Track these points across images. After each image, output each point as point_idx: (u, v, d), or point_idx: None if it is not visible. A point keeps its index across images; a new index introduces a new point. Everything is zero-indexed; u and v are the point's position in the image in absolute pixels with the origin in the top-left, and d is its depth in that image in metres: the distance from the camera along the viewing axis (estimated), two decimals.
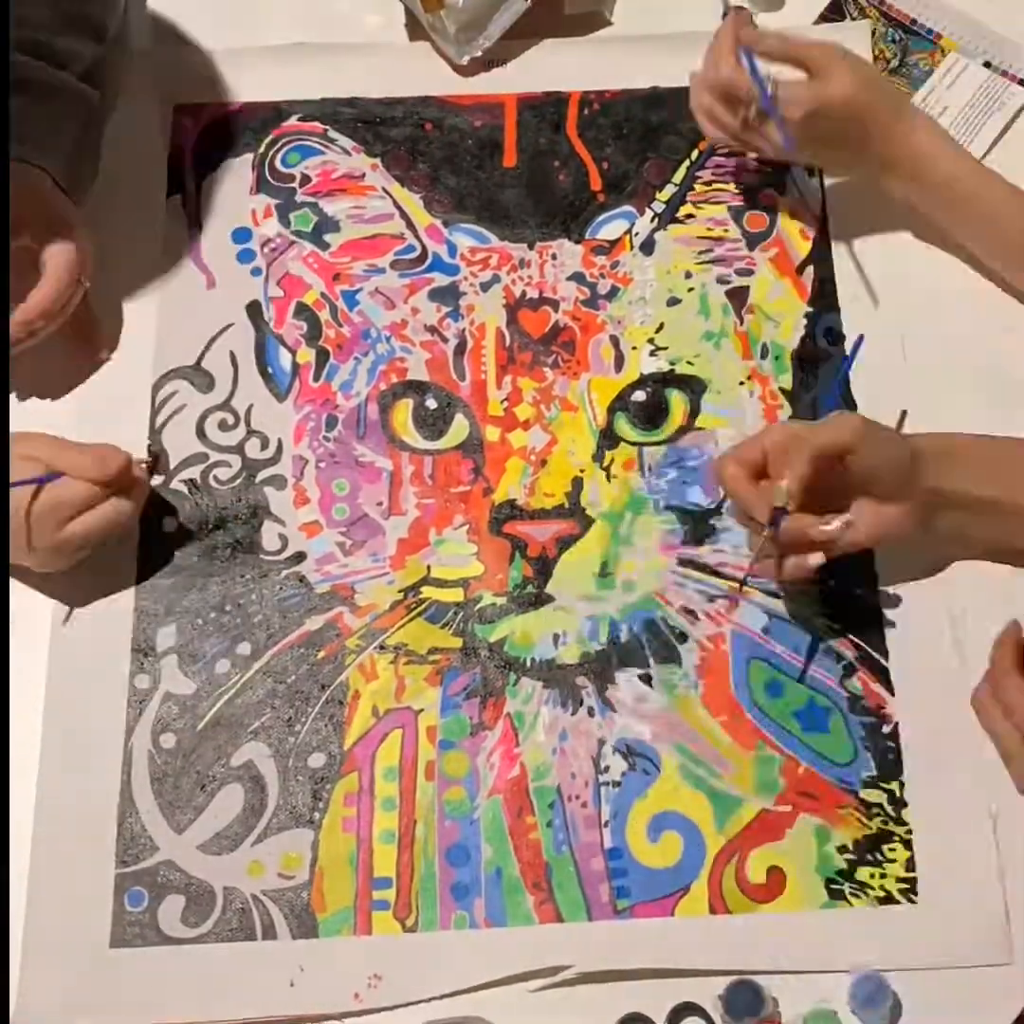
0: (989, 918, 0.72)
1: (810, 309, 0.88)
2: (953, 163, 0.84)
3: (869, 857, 0.74)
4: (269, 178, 0.92)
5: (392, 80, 0.95)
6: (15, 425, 0.78)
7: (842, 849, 0.74)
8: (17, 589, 0.79)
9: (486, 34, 0.94)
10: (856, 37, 0.95)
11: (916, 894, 0.73)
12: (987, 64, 0.95)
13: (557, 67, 0.96)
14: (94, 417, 0.84)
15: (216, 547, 0.81)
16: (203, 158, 0.93)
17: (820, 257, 0.89)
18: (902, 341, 0.86)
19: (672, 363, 0.86)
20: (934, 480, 0.74)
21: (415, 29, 0.96)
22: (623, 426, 0.85)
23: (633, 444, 0.84)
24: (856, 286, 0.88)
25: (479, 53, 0.95)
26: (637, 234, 0.90)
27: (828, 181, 0.91)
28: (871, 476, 0.73)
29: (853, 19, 0.97)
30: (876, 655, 0.78)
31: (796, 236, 0.90)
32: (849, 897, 0.73)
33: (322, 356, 0.87)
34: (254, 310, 0.88)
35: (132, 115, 0.93)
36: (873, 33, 0.96)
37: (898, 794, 0.75)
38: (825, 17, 0.98)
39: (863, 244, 0.90)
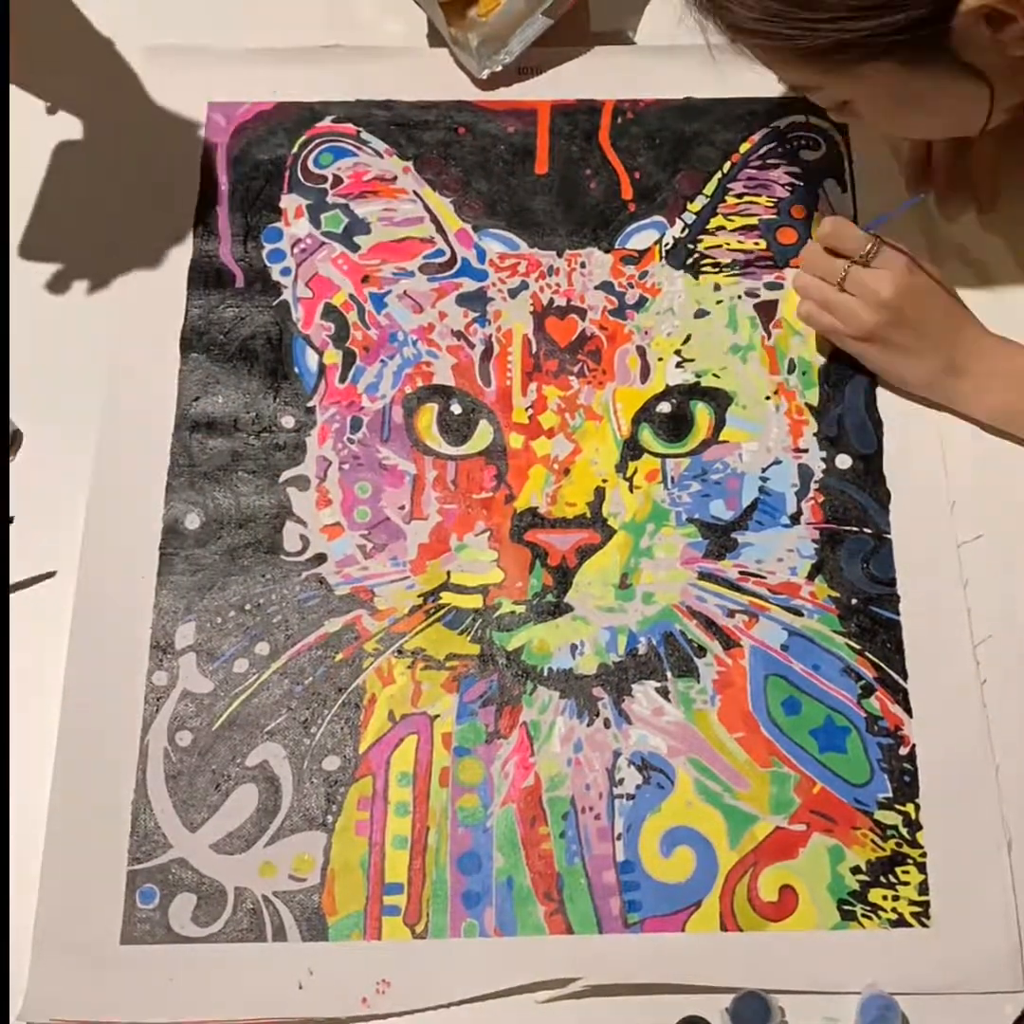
0: (1002, 944, 0.72)
1: None
2: None
3: (882, 879, 0.74)
4: (301, 179, 0.92)
5: (426, 84, 0.95)
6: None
7: (855, 870, 0.74)
8: (38, 584, 0.79)
9: (508, 49, 0.94)
10: None
11: (929, 918, 0.73)
12: None
13: (591, 75, 0.96)
14: (119, 415, 0.85)
15: (237, 547, 0.82)
16: (236, 157, 0.93)
17: None
18: None
19: (698, 375, 0.86)
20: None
21: (435, 38, 0.96)
22: (647, 437, 0.84)
23: (657, 455, 0.84)
24: None
25: (499, 68, 0.94)
26: (667, 245, 0.90)
27: (859, 196, 0.91)
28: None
29: None
30: (895, 676, 0.78)
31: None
32: (861, 919, 0.73)
33: (349, 358, 0.87)
34: (282, 310, 0.88)
35: (165, 112, 0.94)
36: None
37: (913, 817, 0.75)
38: None
39: None
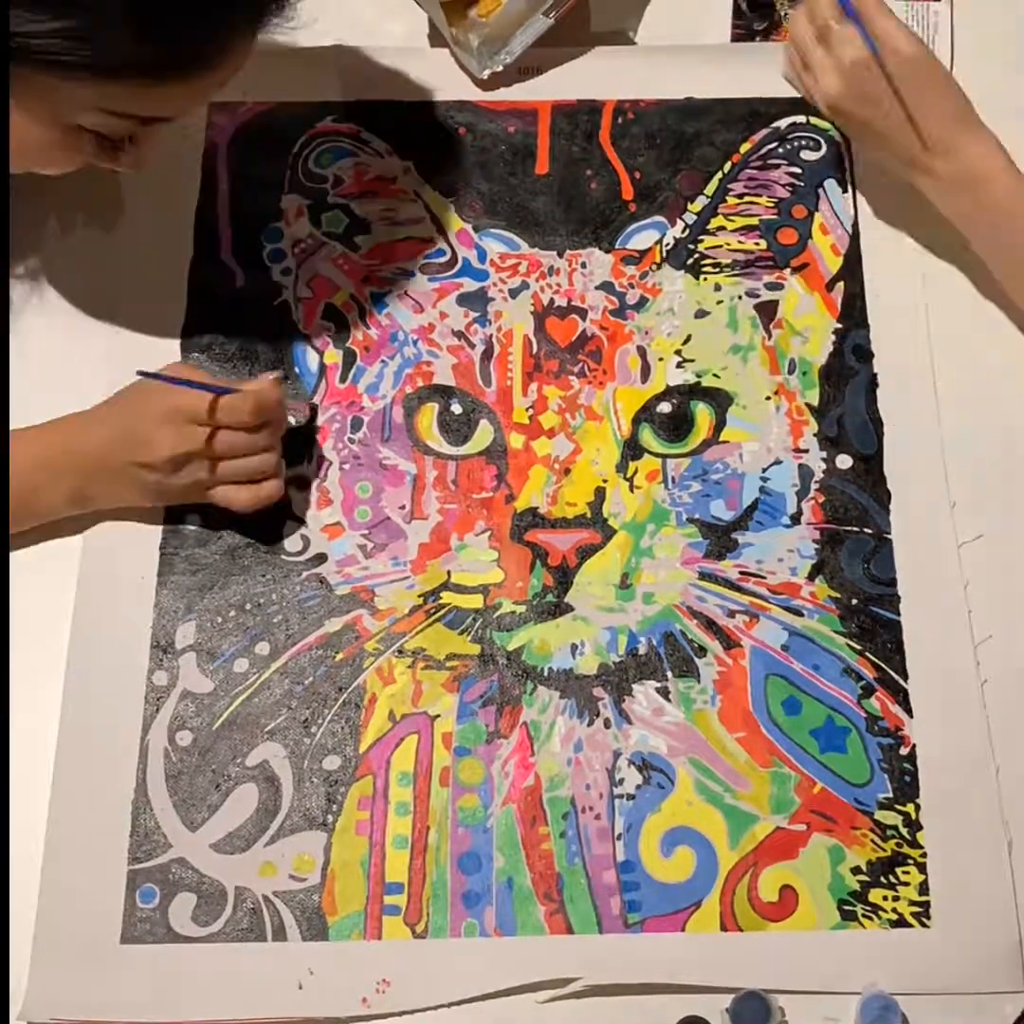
0: (1002, 945, 0.72)
1: (839, 325, 0.88)
2: (1010, 185, 0.81)
3: (883, 879, 0.74)
4: (302, 178, 0.92)
5: (427, 84, 0.95)
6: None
7: (856, 870, 0.74)
8: (37, 583, 0.79)
9: (508, 49, 0.94)
10: None
11: (929, 918, 0.73)
12: None
13: (592, 75, 0.96)
14: None
15: (238, 546, 0.82)
16: (237, 156, 0.93)
17: (850, 273, 0.89)
18: (931, 359, 0.86)
19: (699, 375, 0.86)
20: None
21: (436, 38, 0.96)
22: (648, 437, 0.84)
23: (657, 455, 0.84)
24: (886, 304, 0.88)
25: (500, 68, 0.94)
26: (668, 245, 0.90)
27: (860, 196, 0.91)
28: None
29: None
30: (896, 676, 0.78)
31: (827, 252, 0.90)
32: (861, 919, 0.73)
33: (349, 358, 0.87)
34: (282, 310, 0.88)
35: None
36: None
37: (914, 817, 0.75)
38: None
39: (895, 261, 0.89)
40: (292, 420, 0.82)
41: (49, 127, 0.69)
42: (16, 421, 0.78)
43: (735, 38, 0.97)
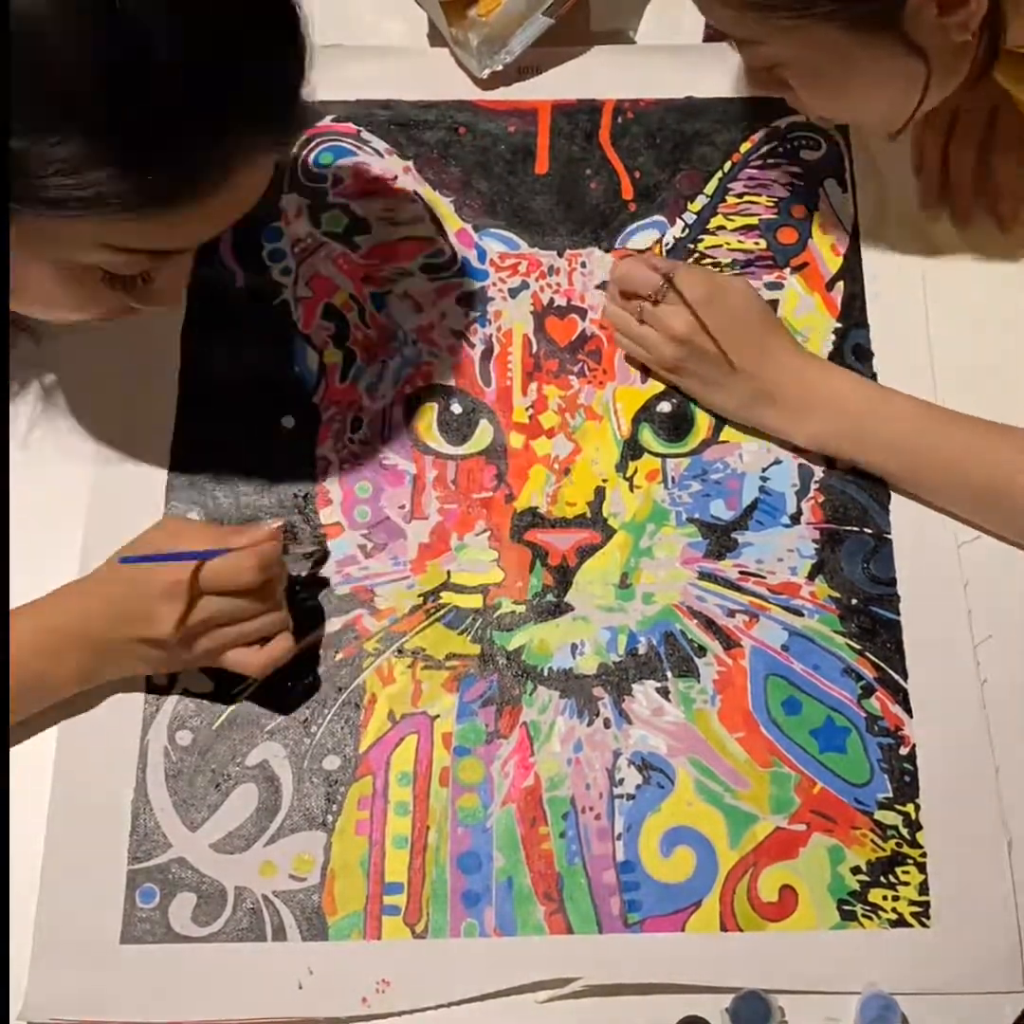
0: (1002, 944, 0.72)
1: (839, 325, 0.88)
2: (858, 397, 0.81)
3: (882, 879, 0.74)
4: (301, 178, 0.92)
5: (427, 83, 0.95)
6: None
7: (855, 870, 0.74)
8: (37, 582, 0.79)
9: (508, 49, 0.94)
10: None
11: (929, 918, 0.73)
12: None
13: (591, 75, 0.96)
14: (120, 414, 0.85)
15: None
16: None
17: (850, 273, 0.89)
18: (931, 359, 0.86)
19: None
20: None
21: (436, 38, 0.96)
22: (647, 437, 0.84)
23: (657, 455, 0.84)
24: (886, 304, 0.88)
25: (500, 67, 0.94)
26: (667, 244, 0.90)
27: (859, 196, 0.91)
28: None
29: None
30: (896, 676, 0.78)
31: (827, 251, 0.90)
32: (861, 919, 0.73)
33: (349, 357, 0.87)
34: (282, 310, 0.88)
35: None
36: None
37: (914, 817, 0.75)
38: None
39: (895, 261, 0.89)
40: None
41: (52, 267, 0.63)
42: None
43: (706, 38, 0.97)
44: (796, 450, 0.83)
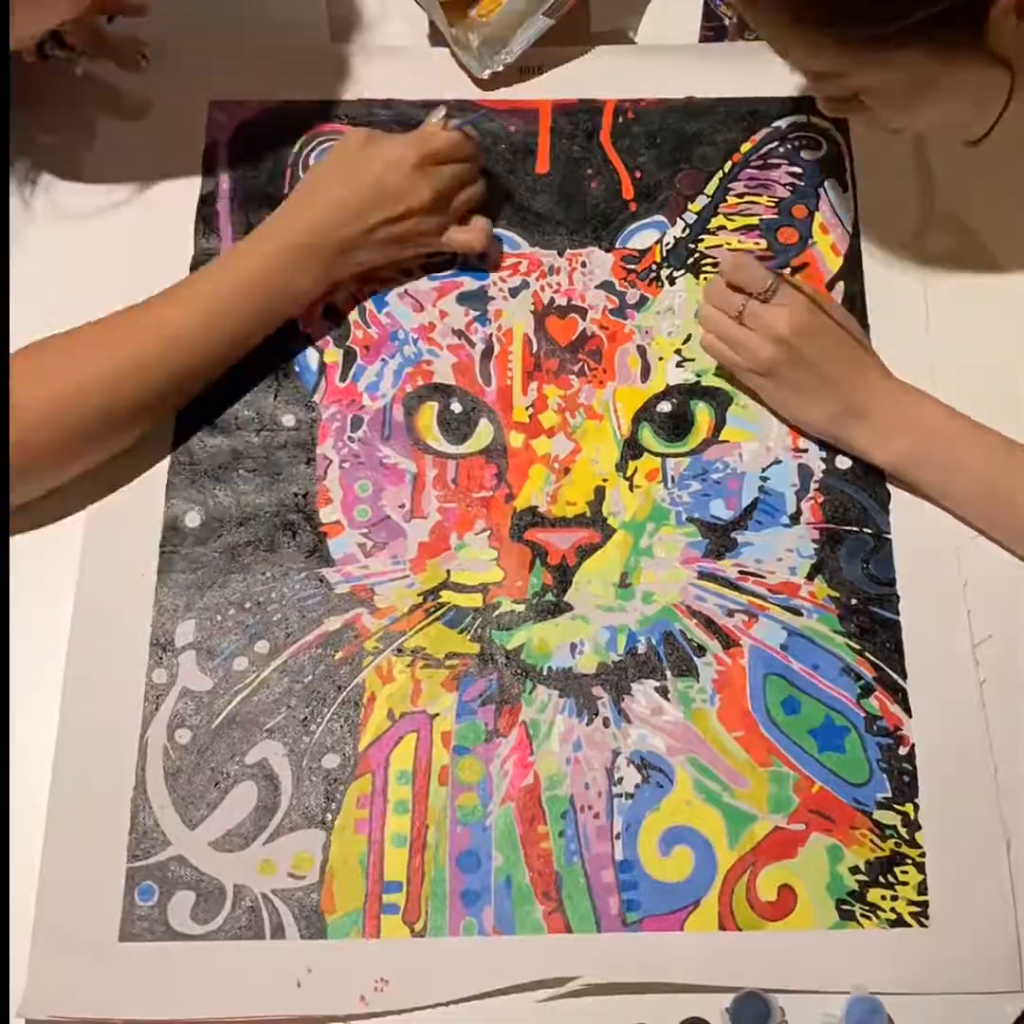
0: (1001, 944, 0.72)
1: None
2: (948, 424, 0.80)
3: (881, 879, 0.74)
4: (302, 177, 0.92)
5: (427, 83, 0.95)
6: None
7: (854, 870, 0.74)
8: (37, 581, 0.79)
9: (508, 49, 0.94)
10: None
11: (927, 918, 0.73)
12: None
13: (592, 75, 0.96)
14: None
15: (237, 544, 0.82)
16: (237, 155, 0.93)
17: (850, 273, 0.89)
18: (931, 359, 0.86)
19: (698, 375, 0.86)
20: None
21: (436, 38, 0.96)
22: (647, 436, 0.84)
23: (657, 455, 0.84)
24: (886, 304, 0.88)
25: (501, 68, 0.94)
26: (668, 244, 0.90)
27: (860, 195, 0.91)
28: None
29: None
30: (894, 675, 0.78)
31: (827, 251, 0.90)
32: (860, 918, 0.73)
33: (349, 356, 0.87)
34: None
35: (167, 111, 0.94)
36: None
37: (912, 816, 0.75)
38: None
39: (895, 261, 0.89)
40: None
41: None
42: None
43: (702, 39, 0.97)
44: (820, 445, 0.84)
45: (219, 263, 0.83)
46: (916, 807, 0.75)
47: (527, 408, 0.85)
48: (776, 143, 0.93)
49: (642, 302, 0.88)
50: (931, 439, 0.80)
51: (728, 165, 0.92)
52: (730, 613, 0.80)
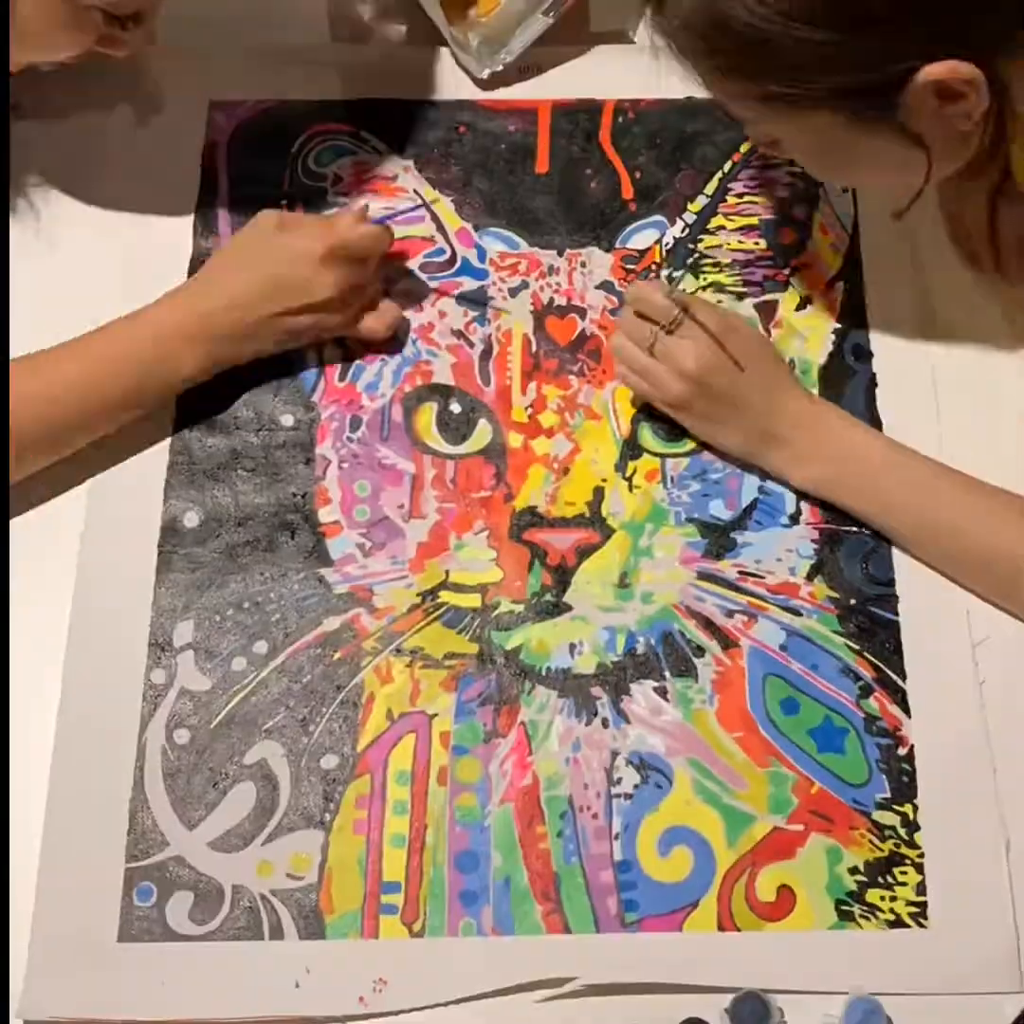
0: (1000, 945, 0.72)
1: (838, 325, 0.88)
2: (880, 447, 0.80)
3: (880, 879, 0.73)
4: (302, 177, 0.92)
5: (427, 83, 0.95)
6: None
7: (853, 870, 0.74)
8: (35, 581, 0.79)
9: (508, 49, 0.94)
10: None
11: (926, 918, 0.73)
12: None
13: (591, 75, 0.96)
14: None
15: (236, 544, 0.82)
16: (236, 155, 0.93)
17: (850, 274, 0.89)
18: (931, 359, 0.86)
19: None
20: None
21: (436, 38, 0.96)
22: (647, 437, 0.84)
23: (656, 455, 0.84)
24: (886, 304, 0.88)
25: (500, 68, 0.94)
26: (667, 244, 0.90)
27: (862, 199, 0.91)
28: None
29: None
30: (894, 676, 0.78)
31: (827, 252, 0.90)
32: (859, 919, 0.73)
33: (348, 357, 0.87)
34: None
35: (167, 111, 0.94)
36: None
37: (911, 817, 0.75)
38: None
39: (895, 261, 0.89)
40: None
41: (56, 3, 0.74)
42: None
43: None
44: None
45: (118, 328, 0.81)
46: (915, 808, 0.75)
47: (526, 408, 0.85)
48: None
49: None
50: (846, 467, 0.80)
51: (728, 165, 0.92)
52: (729, 613, 0.80)
